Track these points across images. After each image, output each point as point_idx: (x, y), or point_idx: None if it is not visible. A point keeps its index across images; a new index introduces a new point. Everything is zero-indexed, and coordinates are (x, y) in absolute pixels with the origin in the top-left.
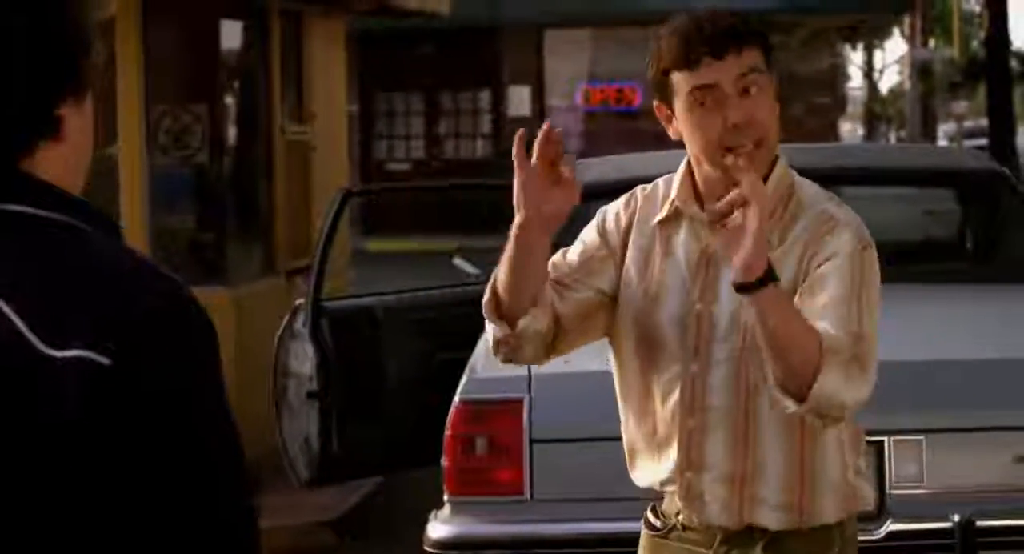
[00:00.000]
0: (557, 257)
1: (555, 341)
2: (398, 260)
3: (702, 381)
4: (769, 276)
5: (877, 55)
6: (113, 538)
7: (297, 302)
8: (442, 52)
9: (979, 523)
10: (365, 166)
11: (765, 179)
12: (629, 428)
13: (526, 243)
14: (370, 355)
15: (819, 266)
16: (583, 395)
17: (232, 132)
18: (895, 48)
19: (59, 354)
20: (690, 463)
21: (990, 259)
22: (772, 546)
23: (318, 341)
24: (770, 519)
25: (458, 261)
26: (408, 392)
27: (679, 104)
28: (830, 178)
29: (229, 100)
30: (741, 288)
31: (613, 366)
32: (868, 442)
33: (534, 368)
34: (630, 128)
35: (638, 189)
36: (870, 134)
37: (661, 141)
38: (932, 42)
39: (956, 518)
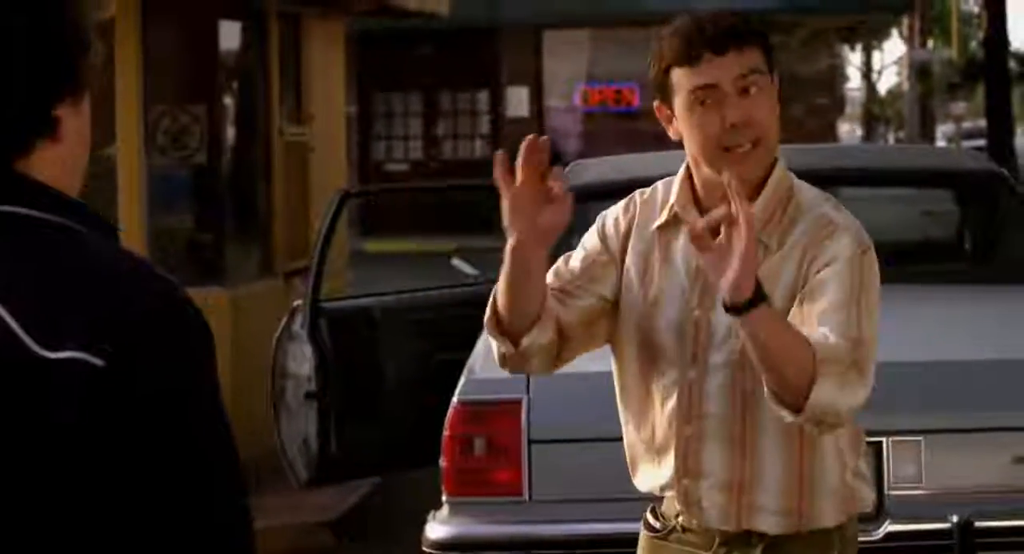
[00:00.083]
0: (559, 264)
1: (560, 351)
2: (396, 261)
3: (699, 388)
4: (759, 296)
5: (876, 56)
6: (108, 538)
7: (295, 303)
8: (441, 53)
9: (978, 524)
10: (363, 167)
11: (764, 181)
12: (629, 433)
13: (522, 260)
14: (368, 356)
15: (819, 271)
16: (581, 396)
17: (230, 133)
18: (894, 49)
19: (53, 356)
20: (687, 470)
21: (988, 260)
22: (771, 549)
23: (316, 342)
24: (769, 524)
25: (456, 262)
26: (406, 393)
27: (679, 103)
28: (829, 179)
29: (228, 101)
30: (730, 309)
31: (614, 370)
32: (867, 443)
33: None
34: (629, 129)
35: (636, 194)
36: (868, 135)
37: (660, 142)
38: (931, 43)
39: (955, 519)
